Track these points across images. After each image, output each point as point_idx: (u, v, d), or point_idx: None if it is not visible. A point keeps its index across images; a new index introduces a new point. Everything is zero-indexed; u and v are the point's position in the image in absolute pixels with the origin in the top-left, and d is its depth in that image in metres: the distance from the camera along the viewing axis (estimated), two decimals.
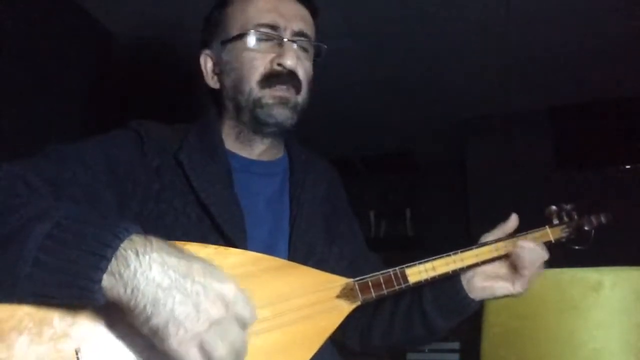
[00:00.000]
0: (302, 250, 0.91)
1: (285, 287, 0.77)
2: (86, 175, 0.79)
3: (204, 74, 1.01)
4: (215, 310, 0.57)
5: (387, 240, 4.70)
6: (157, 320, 0.56)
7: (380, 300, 0.99)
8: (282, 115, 0.93)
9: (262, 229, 0.92)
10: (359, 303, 0.83)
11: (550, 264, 1.30)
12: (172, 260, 0.59)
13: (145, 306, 0.56)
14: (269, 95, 0.92)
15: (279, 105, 0.92)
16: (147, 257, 0.58)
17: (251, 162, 0.98)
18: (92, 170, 0.80)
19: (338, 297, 0.82)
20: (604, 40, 2.85)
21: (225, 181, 0.90)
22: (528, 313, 1.44)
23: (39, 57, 2.29)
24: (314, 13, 1.01)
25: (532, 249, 0.93)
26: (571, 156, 3.60)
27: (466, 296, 0.94)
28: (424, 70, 3.22)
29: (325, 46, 1.00)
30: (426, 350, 4.07)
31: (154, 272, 0.57)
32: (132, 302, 0.57)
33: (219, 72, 0.99)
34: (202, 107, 1.05)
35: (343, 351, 1.00)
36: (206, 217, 0.85)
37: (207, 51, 1.01)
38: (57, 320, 0.61)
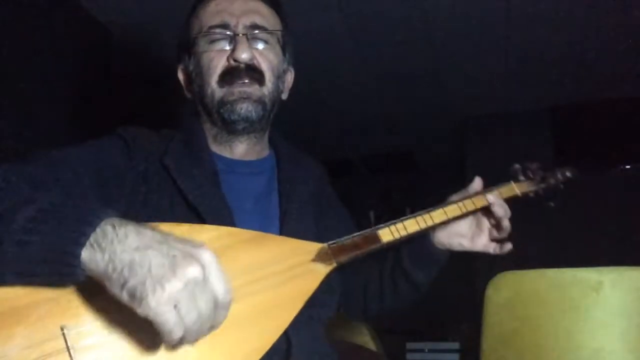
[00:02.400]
0: None
1: (262, 256, 0.79)
2: (72, 179, 0.81)
3: (183, 87, 1.04)
4: (191, 269, 0.57)
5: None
6: (134, 282, 0.57)
7: (369, 269, 1.09)
8: (246, 109, 0.93)
9: (252, 227, 0.91)
10: (334, 265, 0.85)
11: (551, 263, 1.31)
12: (148, 231, 0.61)
13: (122, 269, 0.58)
14: (229, 93, 0.93)
15: (240, 100, 0.93)
16: (123, 229, 0.60)
17: (236, 162, 0.99)
18: (78, 173, 0.82)
19: (313, 260, 0.83)
20: (604, 40, 2.85)
21: (211, 182, 0.90)
22: (528, 313, 1.44)
23: (39, 57, 2.29)
24: (273, 3, 1.01)
25: (500, 203, 1.00)
26: (571, 156, 3.60)
27: (434, 248, 1.02)
28: (424, 70, 3.23)
29: (281, 30, 1.00)
30: (426, 350, 4.07)
31: (130, 239, 0.59)
32: (110, 267, 0.58)
33: (189, 82, 1.01)
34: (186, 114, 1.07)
35: (340, 344, 1.01)
36: (194, 218, 0.86)
37: (180, 65, 1.04)
38: (43, 301, 0.63)
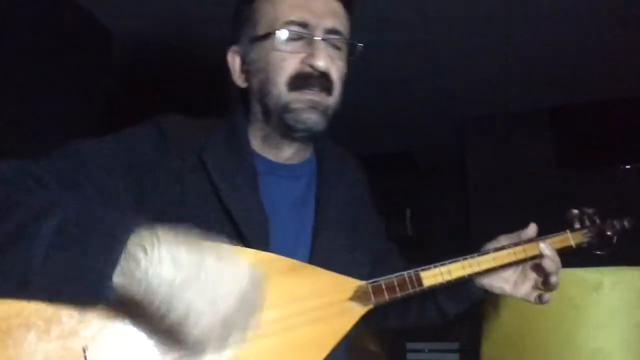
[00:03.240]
0: (323, 258, 0.88)
1: (298, 289, 0.76)
2: (103, 176, 0.77)
3: (232, 71, 0.94)
4: (234, 294, 0.58)
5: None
6: (174, 316, 0.57)
7: None
8: (312, 120, 0.87)
9: (285, 235, 0.88)
10: (371, 306, 0.82)
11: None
12: (182, 254, 0.58)
13: (159, 305, 0.57)
14: (298, 99, 0.86)
15: (308, 109, 0.87)
16: (156, 253, 0.57)
17: (277, 165, 0.93)
18: (109, 170, 0.78)
19: (351, 299, 0.81)
20: (604, 40, 2.85)
21: (250, 185, 0.86)
22: (528, 313, 1.43)
23: (39, 57, 2.29)
24: (348, 6, 0.93)
25: (552, 257, 0.94)
26: (571, 156, 3.60)
27: (473, 287, 0.98)
28: (424, 70, 3.22)
29: (361, 45, 0.93)
30: (426, 350, 4.07)
31: (165, 269, 0.57)
32: (146, 301, 0.57)
33: (246, 70, 0.92)
34: (230, 105, 0.99)
35: (352, 353, 1.00)
36: (228, 222, 0.82)
37: (235, 47, 0.94)
38: (65, 318, 0.61)
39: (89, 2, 2.54)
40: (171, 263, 0.57)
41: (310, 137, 0.92)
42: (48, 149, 0.80)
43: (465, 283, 0.97)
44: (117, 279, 0.57)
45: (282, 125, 0.88)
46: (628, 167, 3.50)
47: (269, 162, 0.93)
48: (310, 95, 0.87)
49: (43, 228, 0.58)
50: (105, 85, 2.73)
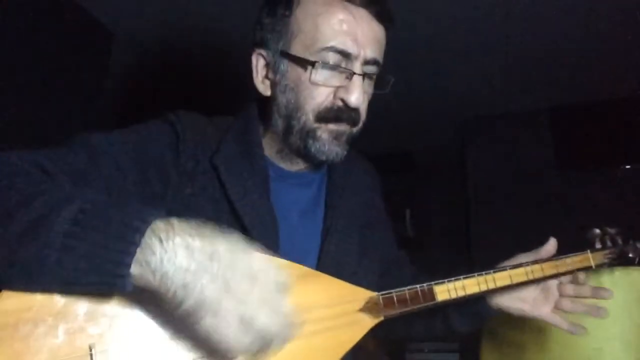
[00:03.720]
0: (331, 264, 0.88)
1: (308, 297, 0.75)
2: (113, 172, 0.77)
3: (254, 74, 0.90)
4: (245, 285, 0.58)
5: None
6: (189, 303, 0.57)
7: None
8: (334, 152, 0.86)
9: (294, 240, 0.88)
10: (381, 318, 0.80)
11: None
12: (196, 243, 0.59)
13: (175, 291, 0.57)
14: (324, 129, 0.84)
15: (333, 141, 0.85)
16: (170, 242, 0.58)
17: (289, 172, 0.92)
18: (120, 166, 0.77)
19: (361, 310, 0.79)
20: (604, 40, 2.85)
21: (261, 190, 0.84)
22: None
23: (39, 57, 2.29)
24: (388, 29, 0.91)
25: (572, 293, 0.92)
26: (571, 156, 3.60)
27: (486, 306, 0.95)
28: (423, 70, 3.22)
29: (393, 79, 0.90)
30: (426, 350, 4.06)
31: (179, 257, 0.57)
32: (163, 289, 0.57)
33: (272, 79, 0.88)
34: (245, 104, 0.96)
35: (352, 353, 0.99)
36: (237, 226, 0.81)
37: (262, 51, 0.88)
38: (73, 315, 0.62)
39: (89, 2, 2.54)
40: (185, 251, 0.58)
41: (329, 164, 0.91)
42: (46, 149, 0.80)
43: (478, 302, 0.94)
44: (134, 268, 0.57)
45: (303, 149, 0.86)
46: (628, 167, 3.50)
47: (281, 169, 0.92)
48: (337, 127, 0.85)
49: (59, 219, 0.58)
50: (105, 85, 2.73)
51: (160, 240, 0.58)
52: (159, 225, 0.59)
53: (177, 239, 0.58)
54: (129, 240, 0.57)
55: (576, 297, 0.93)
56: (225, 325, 0.57)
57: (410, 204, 4.78)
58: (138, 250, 0.57)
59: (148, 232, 0.58)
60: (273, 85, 0.88)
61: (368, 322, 0.79)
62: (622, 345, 1.31)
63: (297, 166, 0.92)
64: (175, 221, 0.60)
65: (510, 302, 0.95)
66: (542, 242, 0.97)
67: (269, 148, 0.91)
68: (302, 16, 0.84)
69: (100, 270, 0.57)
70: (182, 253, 0.58)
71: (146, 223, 0.58)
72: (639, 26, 2.68)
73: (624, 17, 2.62)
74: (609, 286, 1.34)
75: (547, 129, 3.71)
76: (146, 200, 0.78)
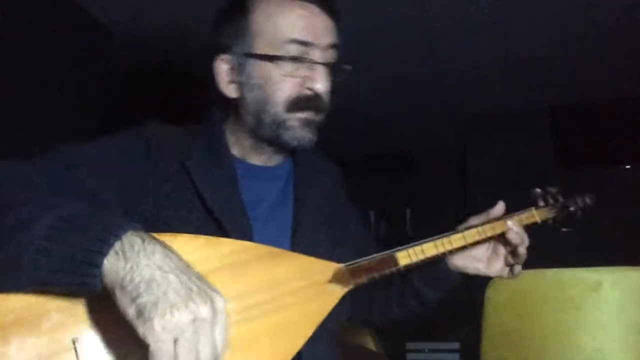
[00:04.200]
0: (305, 254, 0.90)
1: (278, 274, 0.78)
2: (92, 181, 0.80)
3: (218, 79, 0.95)
4: (204, 308, 0.57)
5: (387, 241, 4.69)
6: (146, 299, 0.56)
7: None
8: (306, 137, 0.91)
9: (267, 234, 0.91)
10: (351, 287, 0.84)
11: (550, 263, 1.30)
12: (174, 257, 0.61)
13: (139, 283, 0.57)
14: (294, 118, 0.90)
15: (303, 128, 0.91)
16: (152, 245, 0.60)
17: (256, 167, 0.97)
18: (98, 176, 0.81)
19: (330, 281, 0.83)
20: (604, 40, 2.85)
21: (231, 187, 0.89)
22: (528, 313, 1.44)
23: (39, 57, 2.29)
24: (337, 21, 0.96)
25: (516, 231, 0.97)
26: (571, 156, 3.60)
27: (448, 270, 1.01)
28: (424, 70, 3.23)
29: (350, 67, 0.94)
30: (426, 350, 4.07)
31: (156, 256, 0.59)
32: (128, 277, 0.57)
33: (238, 81, 0.93)
34: (202, 108, 1.02)
35: (340, 342, 1.01)
36: (211, 223, 0.85)
37: (225, 56, 0.94)
38: (54, 311, 0.63)
39: (89, 2, 2.54)
40: (162, 254, 0.60)
41: (299, 151, 0.97)
42: (48, 149, 0.82)
43: (441, 268, 1.01)
44: (108, 259, 0.59)
45: (276, 139, 0.92)
46: (628, 167, 3.50)
47: (248, 165, 0.96)
48: (306, 115, 0.91)
49: (40, 222, 0.61)
50: (105, 85, 2.73)
51: (143, 241, 0.60)
52: (139, 232, 0.61)
53: (157, 246, 0.60)
54: (103, 242, 0.59)
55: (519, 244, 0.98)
56: (164, 337, 0.55)
57: (410, 204, 4.79)
58: (117, 244, 0.59)
59: (130, 233, 0.60)
60: (240, 86, 0.93)
61: (338, 292, 0.83)
62: (622, 345, 1.31)
63: (268, 160, 0.97)
64: (155, 235, 0.62)
65: (466, 262, 1.01)
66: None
67: (238, 147, 0.96)
68: (259, 19, 0.91)
69: (71, 269, 0.59)
70: (160, 253, 0.59)
71: (123, 230, 0.60)
72: (639, 26, 2.68)
73: (624, 17, 2.62)
74: (609, 286, 1.34)
75: (547, 129, 3.71)
76: (126, 205, 0.82)
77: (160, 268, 0.58)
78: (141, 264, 0.58)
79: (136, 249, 0.59)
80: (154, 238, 0.61)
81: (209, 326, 0.57)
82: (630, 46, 2.87)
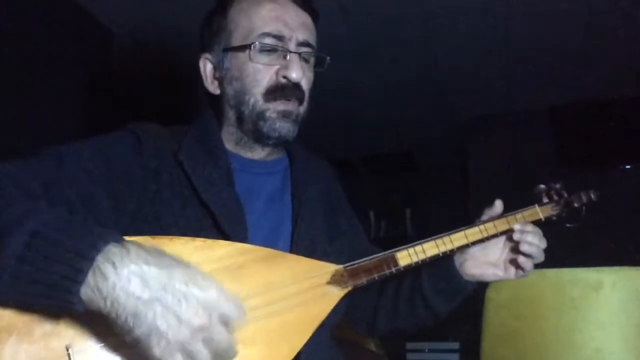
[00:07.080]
0: (304, 248, 0.91)
1: (275, 276, 0.77)
2: (82, 178, 0.79)
3: (203, 77, 0.99)
4: (198, 320, 0.58)
5: (387, 240, 4.69)
6: (139, 332, 0.57)
7: (384, 285, 1.05)
8: (285, 128, 0.92)
9: (263, 227, 0.91)
10: (349, 288, 0.83)
11: (550, 263, 1.30)
12: (152, 271, 0.59)
13: (126, 319, 0.57)
14: (272, 109, 0.91)
15: (282, 119, 0.92)
16: (125, 269, 0.58)
17: (251, 161, 0.97)
18: (88, 173, 0.80)
19: (329, 283, 0.82)
20: (604, 40, 2.85)
21: (225, 181, 0.89)
22: (528, 313, 1.44)
23: (39, 57, 2.29)
24: (315, 19, 0.99)
25: (534, 232, 0.95)
26: (571, 156, 3.60)
27: (462, 280, 0.98)
28: (424, 70, 3.23)
29: (328, 57, 0.97)
30: (426, 350, 4.07)
31: (133, 285, 0.57)
32: (113, 314, 0.58)
33: (219, 77, 0.97)
34: (200, 108, 1.03)
35: (340, 343, 1.01)
36: (206, 216, 0.84)
37: (207, 55, 0.98)
38: (46, 319, 0.62)
39: (89, 2, 2.54)
40: (139, 280, 0.58)
41: (282, 144, 0.97)
42: (53, 145, 0.82)
43: (454, 280, 0.98)
44: (85, 292, 0.58)
45: (256, 132, 0.93)
46: (628, 167, 3.50)
47: (243, 159, 0.97)
48: (284, 106, 0.92)
49: (14, 240, 0.60)
50: (105, 85, 2.73)
51: (114, 266, 0.58)
52: (113, 250, 0.59)
53: (132, 266, 0.58)
54: (76, 269, 0.57)
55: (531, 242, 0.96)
56: (170, 356, 0.57)
57: (410, 204, 4.79)
58: (90, 274, 0.57)
59: (100, 258, 0.58)
60: (221, 82, 0.97)
61: (337, 294, 0.82)
62: (622, 345, 1.31)
63: (259, 154, 0.98)
64: (132, 246, 0.60)
65: (484, 270, 0.99)
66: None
67: (230, 141, 0.97)
68: (235, 15, 0.95)
69: (49, 296, 0.58)
70: (135, 281, 0.58)
71: (95, 250, 0.58)
72: (639, 26, 2.68)
73: (624, 17, 2.62)
74: (609, 286, 1.34)
75: (547, 128, 3.71)
76: (116, 203, 0.81)
77: (140, 299, 0.57)
78: (120, 299, 0.57)
79: (110, 281, 0.57)
80: (126, 253, 0.59)
81: (210, 328, 0.59)
82: (630, 46, 2.87)
